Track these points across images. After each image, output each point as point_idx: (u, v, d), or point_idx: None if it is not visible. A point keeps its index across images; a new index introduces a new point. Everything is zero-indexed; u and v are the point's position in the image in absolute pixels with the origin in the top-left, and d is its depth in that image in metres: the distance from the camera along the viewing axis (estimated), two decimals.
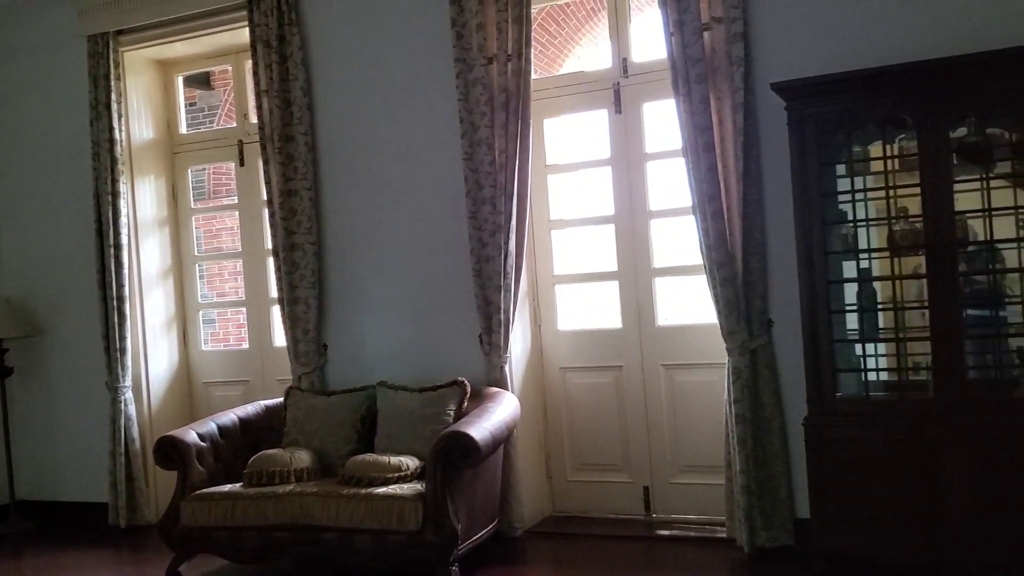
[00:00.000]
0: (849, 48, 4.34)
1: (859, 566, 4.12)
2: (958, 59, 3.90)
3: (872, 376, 4.32)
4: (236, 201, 6.29)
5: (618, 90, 5.06)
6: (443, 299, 5.24)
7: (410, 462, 4.49)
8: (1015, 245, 4.07)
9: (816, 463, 4.15)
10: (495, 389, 4.86)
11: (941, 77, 3.92)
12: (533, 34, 4.95)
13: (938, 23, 4.22)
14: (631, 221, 5.07)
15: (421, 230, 5.30)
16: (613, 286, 5.15)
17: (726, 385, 4.52)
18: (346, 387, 5.18)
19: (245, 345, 6.37)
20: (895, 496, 4.01)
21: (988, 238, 4.04)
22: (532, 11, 4.89)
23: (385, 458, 4.49)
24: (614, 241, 5.11)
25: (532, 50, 4.90)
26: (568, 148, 5.34)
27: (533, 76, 4.94)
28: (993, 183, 4.03)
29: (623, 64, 5.05)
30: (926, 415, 4.00)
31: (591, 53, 5.75)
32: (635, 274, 5.07)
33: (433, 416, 4.67)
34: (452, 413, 4.67)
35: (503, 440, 4.56)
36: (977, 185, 4.03)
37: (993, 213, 4.01)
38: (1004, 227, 4.09)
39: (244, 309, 6.33)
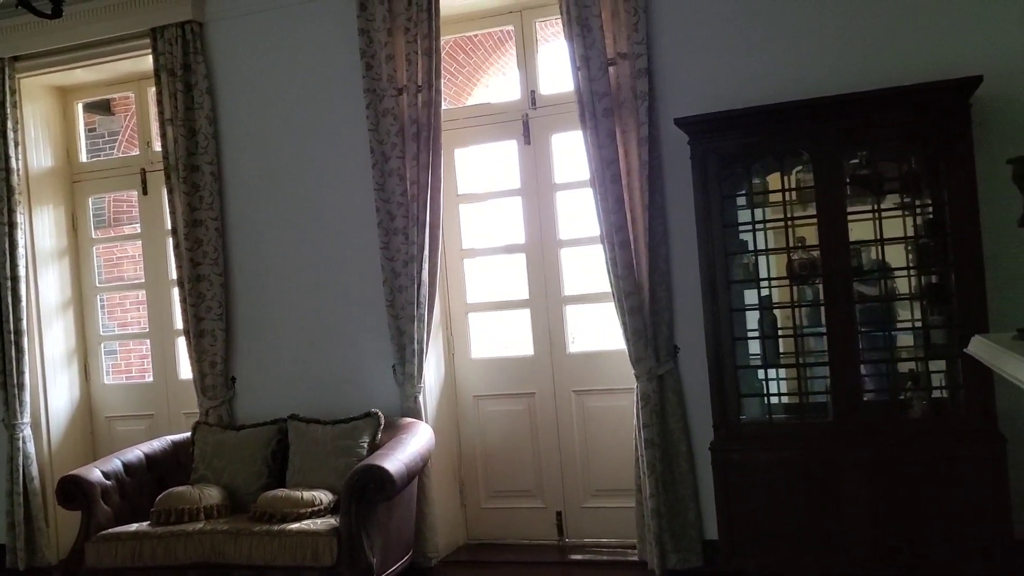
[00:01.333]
0: (749, 85, 4.51)
1: None
2: (850, 96, 4.10)
3: (775, 400, 4.48)
4: (139, 230, 6.14)
5: (527, 121, 5.14)
6: (356, 330, 5.22)
7: (324, 496, 4.45)
8: (905, 272, 4.29)
9: (723, 486, 4.27)
10: (409, 420, 4.86)
11: (834, 113, 4.11)
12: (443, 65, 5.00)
13: (831, 63, 4.42)
14: (542, 250, 5.15)
15: (333, 260, 5.27)
16: (525, 314, 5.21)
17: (635, 410, 4.62)
18: (256, 421, 5.11)
19: (149, 378, 6.21)
20: (799, 516, 4.16)
21: (881, 266, 4.24)
22: (441, 43, 4.93)
23: (298, 493, 4.44)
24: (525, 270, 5.18)
25: (442, 81, 4.94)
26: (479, 178, 5.40)
27: (444, 107, 4.98)
28: (884, 213, 4.25)
29: (531, 96, 5.14)
30: (826, 437, 4.17)
31: (500, 83, 5.83)
32: (546, 302, 5.14)
33: (347, 449, 4.64)
34: (366, 445, 4.64)
35: (418, 471, 4.56)
36: (869, 215, 4.24)
37: (885, 242, 4.22)
38: (895, 255, 4.31)
39: (148, 341, 6.17)
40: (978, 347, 2.73)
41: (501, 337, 5.51)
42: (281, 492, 4.48)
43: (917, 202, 4.29)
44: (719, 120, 4.26)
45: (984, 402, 3.95)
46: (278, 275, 5.38)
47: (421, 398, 4.96)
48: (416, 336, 4.91)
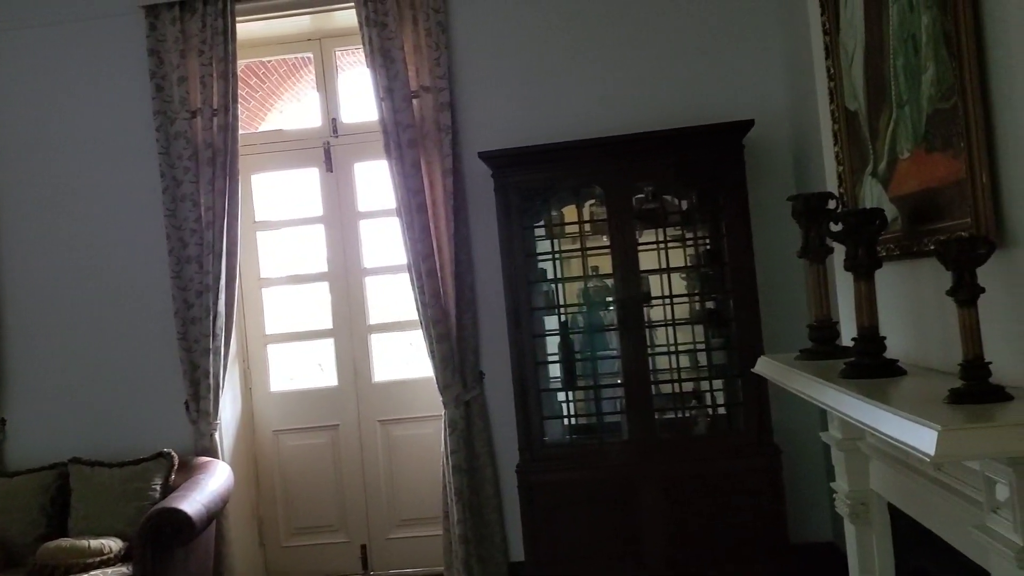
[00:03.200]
0: (547, 122, 4.73)
1: None
2: (637, 136, 4.40)
3: (575, 421, 4.68)
4: None
5: (328, 149, 5.10)
6: (145, 365, 4.92)
7: (113, 544, 4.15)
8: (687, 299, 4.64)
9: (528, 507, 4.41)
10: (205, 459, 4.64)
11: (624, 151, 4.39)
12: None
13: (622, 105, 4.73)
14: (346, 278, 5.10)
15: (118, 291, 4.95)
16: (328, 344, 5.13)
17: (442, 437, 4.67)
18: (31, 466, 4.68)
19: None
20: (600, 532, 4.36)
21: (669, 293, 4.55)
22: (238, 66, 4.80)
23: (84, 541, 4.11)
24: (329, 299, 5.11)
25: (239, 106, 4.81)
26: (278, 205, 5.26)
27: (241, 131, 4.84)
28: (670, 244, 4.57)
29: (333, 124, 5.10)
30: (621, 455, 4.41)
31: (295, 109, 5.72)
32: (351, 331, 5.09)
33: (137, 492, 4.36)
34: (159, 488, 4.39)
35: (217, 512, 4.36)
36: (656, 246, 4.55)
37: (671, 271, 4.54)
38: (679, 282, 4.65)
39: None
40: (764, 366, 2.99)
41: (303, 368, 5.37)
42: (64, 542, 4.12)
43: (698, 234, 4.65)
44: (519, 155, 4.44)
45: (760, 417, 4.33)
46: (59, 307, 4.97)
47: (217, 435, 4.75)
48: (211, 370, 4.71)
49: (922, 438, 1.52)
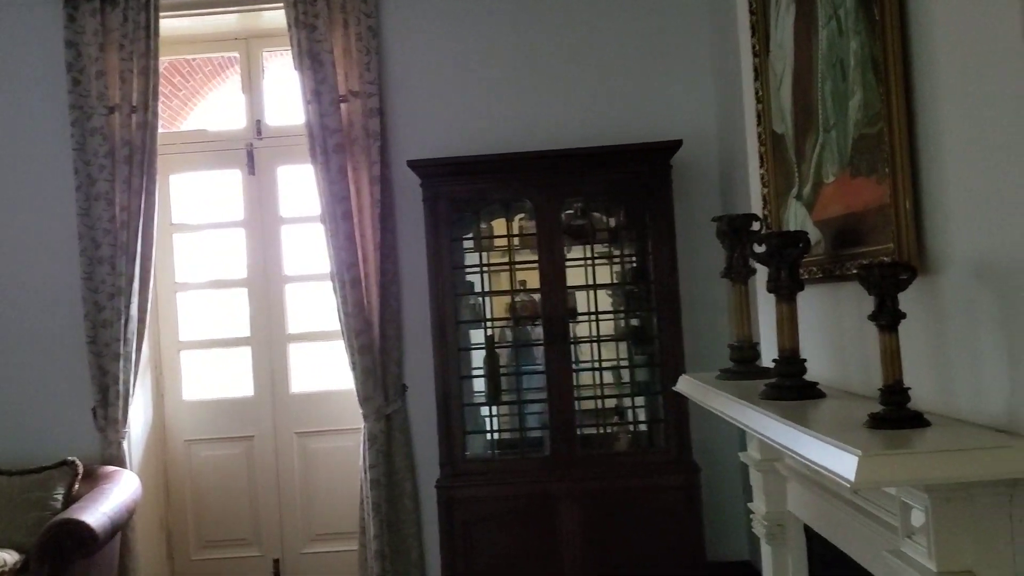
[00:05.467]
0: (479, 133, 4.69)
1: None
2: (569, 152, 4.38)
3: (498, 436, 4.63)
4: None
5: (252, 151, 4.97)
6: (51, 370, 4.70)
7: (9, 556, 3.94)
8: (612, 316, 4.64)
9: (447, 522, 4.33)
10: (112, 468, 4.44)
11: (554, 167, 4.37)
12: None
13: (555, 120, 4.71)
14: (266, 285, 4.97)
15: (26, 292, 4.73)
16: (246, 352, 4.99)
17: (361, 451, 4.57)
18: None
19: None
20: (519, 548, 4.31)
21: (595, 310, 4.55)
22: (160, 63, 4.65)
23: None
24: (247, 305, 4.97)
25: (159, 103, 4.65)
26: (197, 207, 5.11)
27: (160, 130, 4.69)
28: (597, 260, 4.57)
29: (257, 126, 4.98)
30: (543, 471, 4.37)
31: (218, 109, 5.58)
32: (269, 340, 4.96)
33: (38, 502, 4.16)
34: (61, 497, 4.19)
35: (123, 524, 4.18)
36: (584, 262, 4.54)
37: (597, 287, 4.54)
38: (605, 299, 4.65)
39: None
40: (686, 385, 2.99)
41: (219, 377, 5.20)
42: None
43: (625, 251, 4.66)
44: (450, 165, 4.38)
45: (680, 435, 4.34)
46: None
47: (126, 444, 4.56)
48: (121, 376, 4.53)
49: (842, 463, 1.52)
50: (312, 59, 4.55)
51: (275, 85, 5.09)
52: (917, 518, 1.69)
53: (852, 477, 1.47)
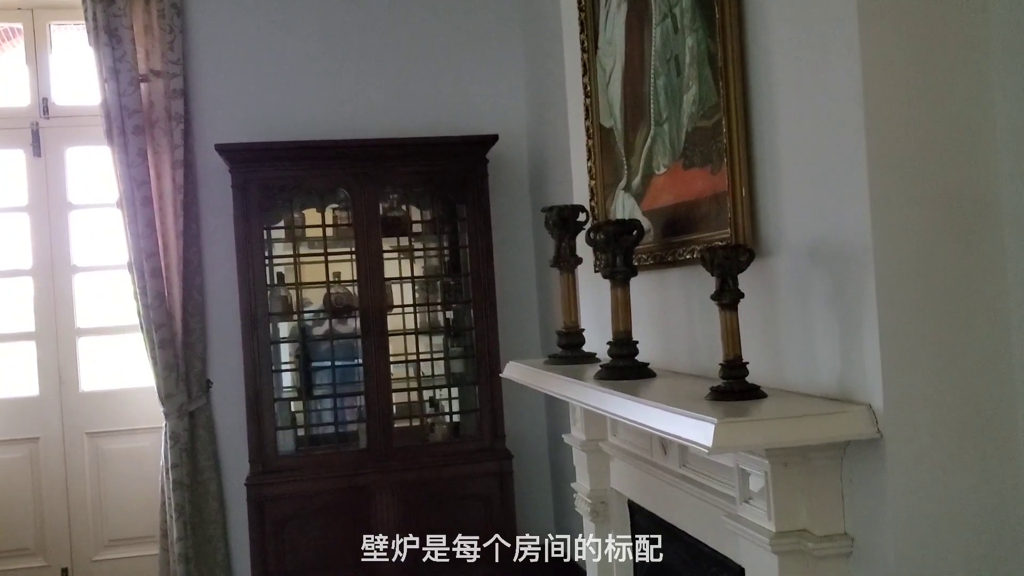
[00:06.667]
0: (294, 118, 4.54)
1: None
2: (386, 142, 4.36)
3: (312, 431, 4.52)
4: None
5: (37, 131, 4.57)
6: None
7: None
8: (426, 308, 4.65)
9: (258, 521, 4.19)
10: None
11: (372, 156, 4.33)
12: None
13: (373, 109, 4.65)
14: (52, 275, 4.57)
15: None
16: (29, 347, 4.57)
17: (163, 451, 4.32)
18: None
19: None
20: (336, 542, 4.22)
21: (411, 301, 4.54)
22: None
23: None
24: (32, 297, 4.56)
25: None
26: None
27: None
28: (414, 253, 4.58)
29: (43, 104, 4.58)
30: (359, 464, 4.31)
31: None
32: (56, 334, 4.57)
33: None
34: None
35: None
36: (399, 255, 4.52)
37: (415, 279, 4.54)
38: (421, 292, 4.65)
39: None
40: (514, 371, 3.05)
41: None
42: None
43: (443, 244, 4.68)
44: (261, 151, 4.24)
45: (494, 424, 4.42)
46: None
47: None
48: None
49: (698, 432, 1.61)
50: (110, 35, 4.25)
51: (65, 61, 4.70)
52: (755, 483, 1.82)
53: (709, 443, 1.56)
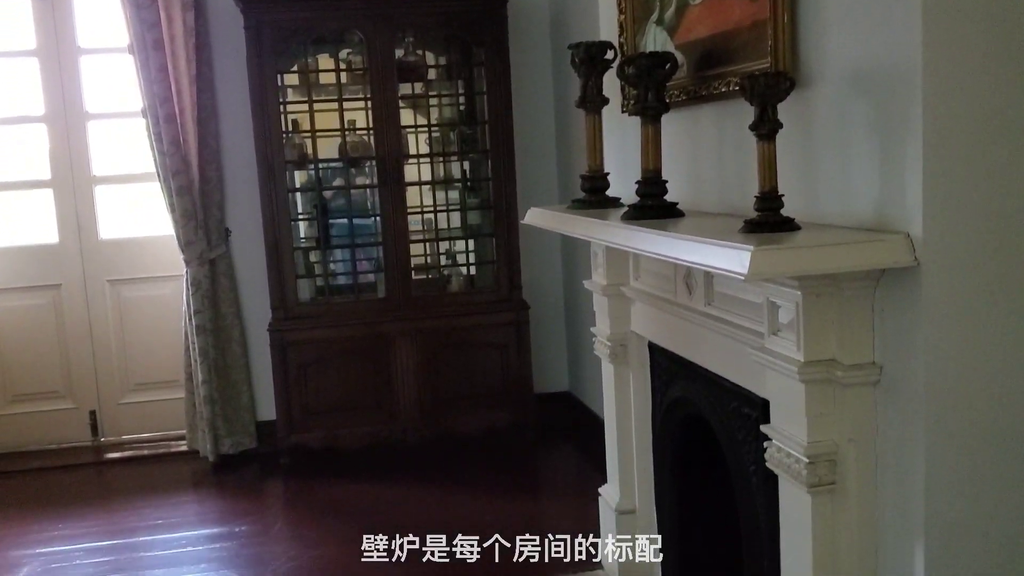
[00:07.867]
0: None
1: (322, 456, 4.37)
2: None
3: (330, 281, 4.56)
4: None
5: None
6: None
7: None
8: (442, 159, 4.60)
9: (281, 366, 4.29)
10: None
11: None
12: None
13: None
14: (66, 122, 4.51)
15: None
16: (47, 195, 4.56)
17: (185, 297, 4.37)
18: None
19: None
20: (354, 389, 4.36)
21: (428, 152, 4.49)
22: None
23: None
24: (47, 145, 4.51)
25: None
26: None
27: None
28: (430, 100, 4.49)
29: None
30: (378, 313, 4.37)
31: None
32: (73, 183, 4.55)
33: None
34: None
35: None
36: (416, 101, 4.44)
37: (431, 128, 4.48)
38: (438, 141, 4.59)
39: None
40: (536, 217, 3.02)
41: (17, 222, 4.71)
42: None
43: (459, 91, 4.58)
44: None
45: (511, 275, 4.44)
46: None
47: None
48: None
49: (734, 260, 1.60)
50: None
51: None
52: (785, 315, 1.83)
53: (746, 270, 1.55)
